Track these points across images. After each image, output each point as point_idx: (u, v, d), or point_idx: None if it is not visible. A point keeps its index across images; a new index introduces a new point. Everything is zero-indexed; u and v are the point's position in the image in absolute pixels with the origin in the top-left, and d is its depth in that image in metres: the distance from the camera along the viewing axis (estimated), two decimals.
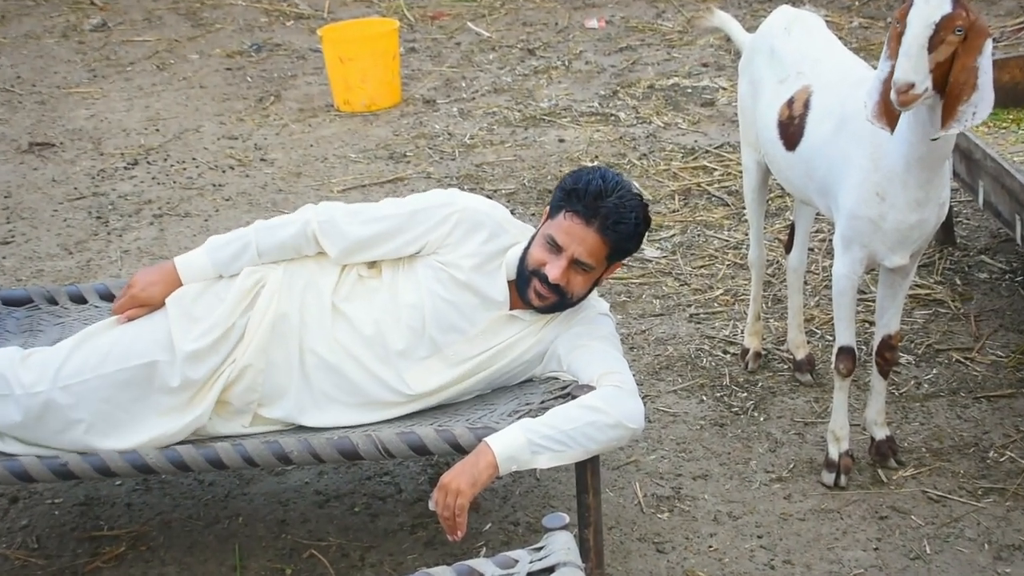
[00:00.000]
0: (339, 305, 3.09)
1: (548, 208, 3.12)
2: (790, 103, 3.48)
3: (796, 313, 3.96)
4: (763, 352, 4.07)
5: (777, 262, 4.61)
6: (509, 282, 3.11)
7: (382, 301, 3.10)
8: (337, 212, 3.15)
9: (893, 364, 3.52)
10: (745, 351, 4.07)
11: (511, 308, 3.12)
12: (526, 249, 3.09)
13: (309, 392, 3.07)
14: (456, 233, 3.10)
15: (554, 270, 3.03)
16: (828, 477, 3.49)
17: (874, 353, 3.50)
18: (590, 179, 3.02)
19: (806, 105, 3.42)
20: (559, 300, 3.08)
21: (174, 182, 5.74)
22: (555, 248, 3.04)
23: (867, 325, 4.13)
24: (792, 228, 3.97)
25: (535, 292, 3.06)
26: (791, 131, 3.45)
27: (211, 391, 3.04)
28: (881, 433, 3.56)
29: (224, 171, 5.84)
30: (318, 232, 3.11)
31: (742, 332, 4.21)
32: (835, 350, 3.43)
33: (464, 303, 3.08)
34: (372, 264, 3.16)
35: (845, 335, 3.41)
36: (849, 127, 3.24)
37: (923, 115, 2.99)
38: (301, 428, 3.10)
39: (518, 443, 2.80)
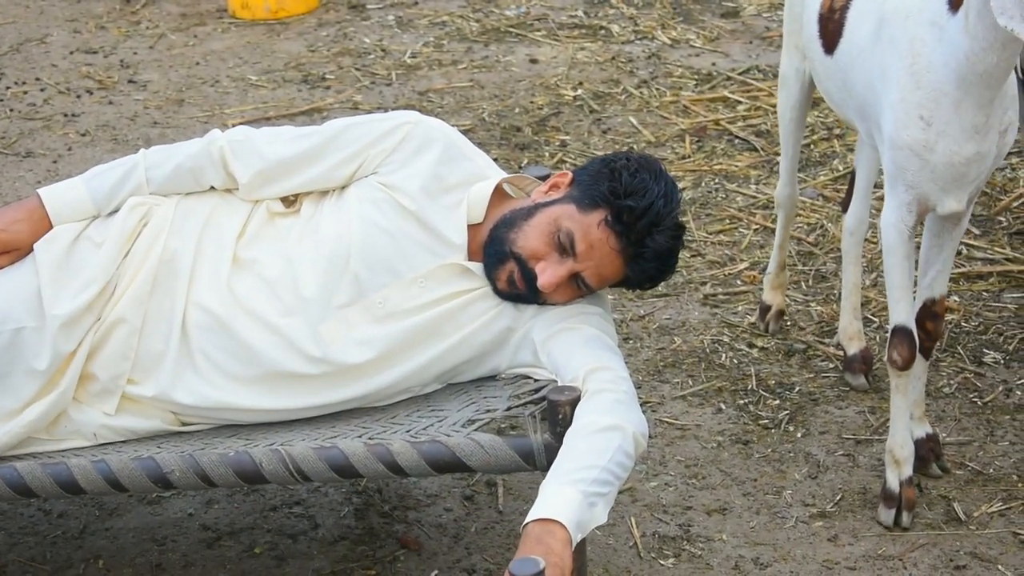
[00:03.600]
0: (240, 253, 3.12)
1: (574, 176, 3.16)
2: None
3: (851, 293, 3.97)
4: (787, 308, 4.10)
5: (822, 226, 4.62)
6: (471, 226, 3.14)
7: (296, 236, 3.14)
8: (253, 132, 3.21)
9: (937, 339, 3.57)
10: (766, 308, 4.12)
11: (468, 258, 3.14)
12: (517, 216, 3.12)
13: (189, 359, 3.07)
14: (404, 149, 3.16)
15: (549, 276, 3.08)
16: (886, 513, 3.50)
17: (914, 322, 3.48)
18: (651, 201, 3.08)
19: None
20: (529, 296, 3.12)
21: (10, 110, 5.72)
22: (564, 250, 3.08)
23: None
24: (852, 178, 3.98)
25: (508, 277, 3.10)
26: (830, 28, 3.50)
27: (75, 360, 3.05)
28: (920, 430, 3.60)
29: (79, 96, 5.82)
30: (227, 151, 3.15)
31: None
32: (889, 331, 3.44)
33: (405, 237, 3.10)
34: (290, 201, 3.19)
35: (900, 310, 3.41)
36: (888, 30, 3.26)
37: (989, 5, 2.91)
38: (183, 439, 3.09)
39: (576, 502, 2.74)
